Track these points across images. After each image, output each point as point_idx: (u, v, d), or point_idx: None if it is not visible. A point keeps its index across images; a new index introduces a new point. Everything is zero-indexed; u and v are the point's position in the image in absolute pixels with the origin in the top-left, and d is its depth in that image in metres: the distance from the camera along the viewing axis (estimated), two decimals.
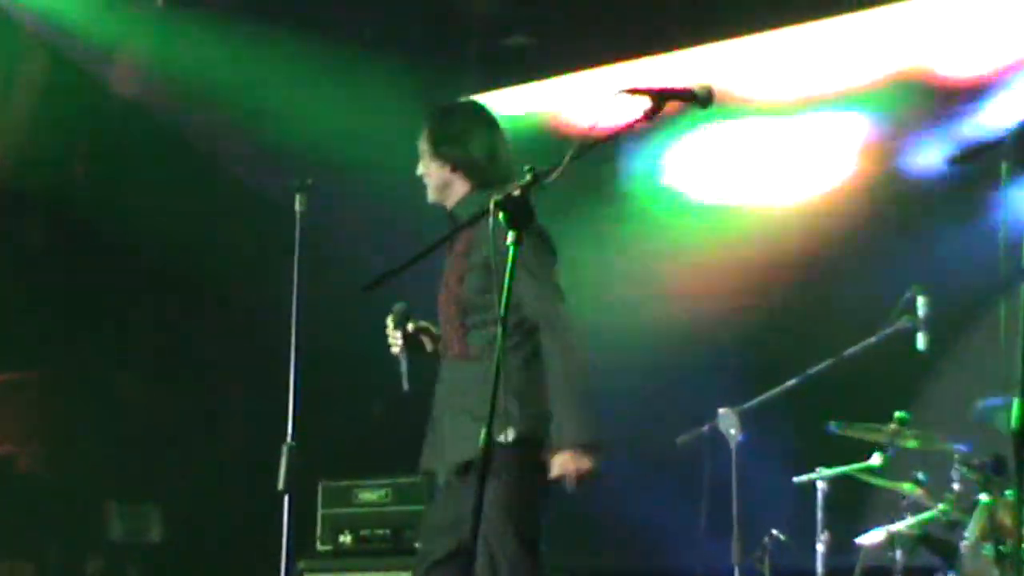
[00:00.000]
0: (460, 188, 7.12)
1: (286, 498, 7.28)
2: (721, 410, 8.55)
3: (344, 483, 9.29)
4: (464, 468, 6.76)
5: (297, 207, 7.49)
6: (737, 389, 8.81)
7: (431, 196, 7.21)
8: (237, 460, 9.16)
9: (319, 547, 9.22)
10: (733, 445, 8.49)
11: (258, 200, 10.12)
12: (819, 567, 8.30)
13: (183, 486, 11.12)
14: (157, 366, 12.05)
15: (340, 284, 7.57)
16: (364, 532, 9.17)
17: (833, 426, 8.31)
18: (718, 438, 8.54)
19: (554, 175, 5.48)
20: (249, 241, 8.75)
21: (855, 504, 8.73)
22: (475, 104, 7.52)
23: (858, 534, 8.36)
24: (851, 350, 8.45)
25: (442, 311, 7.23)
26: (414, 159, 7.34)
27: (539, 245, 6.90)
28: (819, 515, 8.43)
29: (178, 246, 11.23)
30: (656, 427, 9.43)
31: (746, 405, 8.53)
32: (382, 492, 9.13)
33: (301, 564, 8.76)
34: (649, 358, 10.43)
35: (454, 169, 7.09)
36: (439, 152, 7.14)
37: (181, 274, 11.56)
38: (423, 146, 7.25)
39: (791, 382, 8.51)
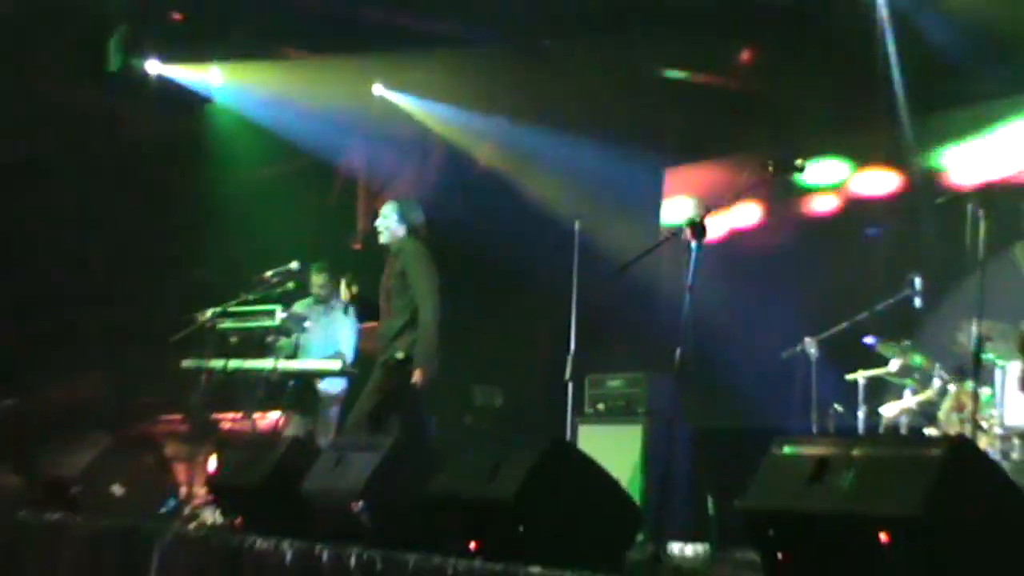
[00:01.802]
0: (399, 235, 7.68)
1: (570, 384, 7.48)
2: (806, 339, 8.55)
3: (600, 375, 9.27)
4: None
5: (576, 227, 7.63)
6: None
7: (383, 239, 7.79)
8: (545, 363, 9.25)
9: (586, 411, 9.15)
10: (813, 358, 8.48)
11: (549, 225, 10.10)
12: (860, 426, 8.27)
13: (516, 376, 11.18)
14: (505, 317, 12.09)
15: (597, 269, 7.70)
16: (610, 403, 9.23)
17: (871, 340, 8.33)
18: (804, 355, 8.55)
19: (719, 211, 5.61)
20: (551, 246, 8.88)
21: (880, 392, 8.64)
22: (415, 201, 8.15)
23: (880, 405, 8.38)
24: (879, 306, 8.43)
25: (382, 291, 7.74)
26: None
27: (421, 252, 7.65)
28: (860, 397, 8.40)
29: (510, 254, 11.38)
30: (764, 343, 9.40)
31: (820, 336, 8.54)
32: (621, 382, 9.17)
33: (577, 419, 8.70)
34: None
35: (407, 230, 7.69)
36: (403, 220, 7.72)
37: (508, 268, 11.65)
38: (391, 214, 7.73)
39: (843, 324, 8.51)
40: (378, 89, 11.96)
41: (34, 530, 7.01)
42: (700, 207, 5.76)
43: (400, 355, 7.50)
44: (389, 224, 7.77)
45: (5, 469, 10.71)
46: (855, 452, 3.65)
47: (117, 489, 7.34)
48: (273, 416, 9.51)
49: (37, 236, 14.69)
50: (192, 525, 6.49)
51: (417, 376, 7.41)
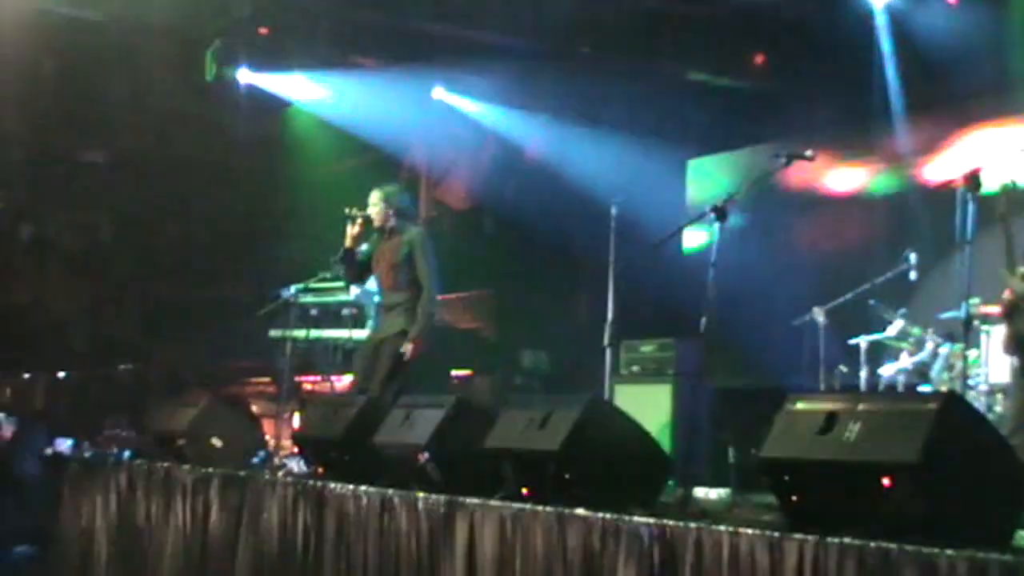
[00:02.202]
0: (389, 219, 7.41)
1: (608, 349, 7.39)
2: (815, 308, 8.49)
3: (634, 341, 9.17)
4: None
5: (613, 211, 7.55)
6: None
7: (377, 223, 7.45)
8: (585, 329, 9.23)
9: (621, 371, 9.01)
10: (820, 325, 8.42)
11: (588, 210, 10.05)
12: (862, 384, 8.21)
13: (560, 342, 11.15)
14: (550, 290, 12.05)
15: (631, 248, 7.64)
16: (643, 366, 9.14)
17: (874, 302, 8.27)
18: (813, 322, 8.50)
19: (740, 195, 5.58)
20: (590, 227, 8.81)
21: (879, 353, 8.58)
22: (401, 186, 7.97)
23: (880, 366, 8.31)
24: (877, 280, 8.36)
25: (381, 266, 7.50)
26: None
27: (427, 240, 7.42)
28: (862, 358, 8.34)
29: (554, 235, 11.33)
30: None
31: (827, 305, 8.48)
32: (653, 347, 9.07)
33: (614, 380, 8.59)
34: None
35: (394, 214, 7.41)
36: (391, 205, 7.44)
37: (554, 247, 11.63)
38: (381, 201, 7.46)
39: (847, 295, 8.44)
40: (438, 92, 11.97)
41: (148, 476, 7.10)
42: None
43: (405, 328, 7.39)
44: (379, 209, 7.57)
45: (122, 424, 10.85)
46: (860, 407, 3.63)
47: (216, 442, 7.39)
48: (348, 378, 9.55)
49: (148, 225, 14.83)
50: (280, 473, 6.52)
51: (409, 348, 7.30)
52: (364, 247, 7.62)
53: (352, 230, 7.49)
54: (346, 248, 7.54)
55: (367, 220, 7.53)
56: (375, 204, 7.52)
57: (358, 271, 7.68)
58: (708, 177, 11.41)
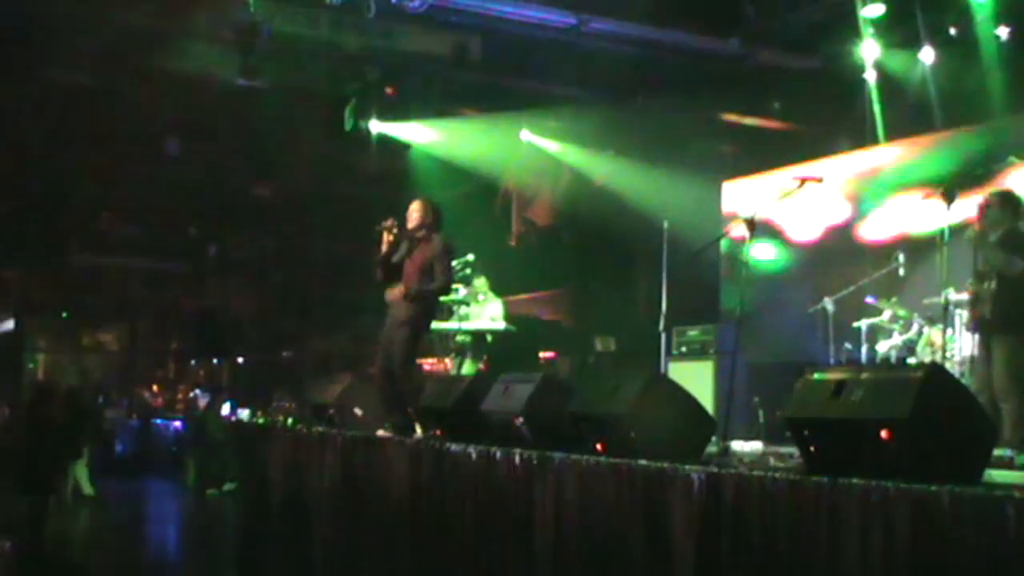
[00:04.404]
0: (423, 225, 6.73)
1: (663, 334, 7.38)
2: (826, 298, 8.42)
3: (683, 327, 9.15)
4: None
5: (664, 226, 7.54)
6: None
7: (412, 224, 6.74)
8: (644, 318, 9.18)
9: (674, 352, 8.96)
10: (830, 312, 8.35)
11: (645, 225, 9.99)
12: (863, 358, 8.11)
13: (625, 329, 11.08)
14: (617, 288, 12.01)
15: (679, 254, 7.63)
16: (690, 346, 9.09)
17: (870, 297, 8.19)
18: (824, 309, 8.42)
19: (765, 210, 5.53)
20: (647, 238, 8.79)
21: (876, 335, 8.46)
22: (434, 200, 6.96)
23: (877, 344, 8.20)
24: (874, 276, 8.30)
25: (409, 268, 6.72)
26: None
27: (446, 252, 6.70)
28: (863, 338, 8.25)
29: (619, 245, 11.26)
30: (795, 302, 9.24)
31: (835, 296, 8.40)
32: (698, 331, 9.05)
33: (668, 358, 8.46)
34: None
35: (429, 223, 6.74)
36: (427, 214, 6.75)
37: (618, 255, 11.57)
38: (422, 209, 6.73)
39: (850, 288, 8.36)
40: (525, 135, 12.05)
41: (307, 439, 7.24)
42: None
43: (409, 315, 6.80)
44: (420, 215, 6.82)
45: (286, 397, 11.07)
46: (862, 376, 3.60)
47: (358, 411, 7.48)
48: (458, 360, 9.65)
49: (302, 243, 15.10)
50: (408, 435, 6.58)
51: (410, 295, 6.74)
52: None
53: (388, 237, 6.75)
54: (383, 254, 6.80)
55: (399, 229, 6.78)
56: (416, 210, 6.80)
57: (390, 272, 6.86)
58: (739, 197, 11.32)
